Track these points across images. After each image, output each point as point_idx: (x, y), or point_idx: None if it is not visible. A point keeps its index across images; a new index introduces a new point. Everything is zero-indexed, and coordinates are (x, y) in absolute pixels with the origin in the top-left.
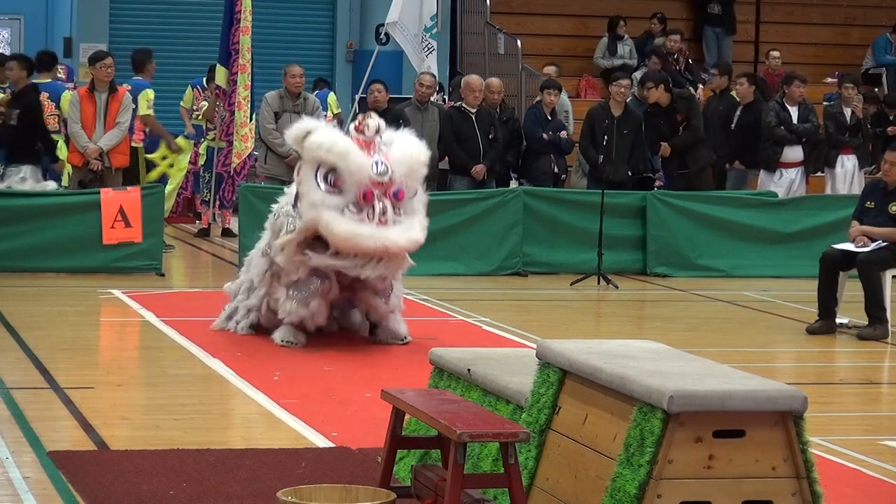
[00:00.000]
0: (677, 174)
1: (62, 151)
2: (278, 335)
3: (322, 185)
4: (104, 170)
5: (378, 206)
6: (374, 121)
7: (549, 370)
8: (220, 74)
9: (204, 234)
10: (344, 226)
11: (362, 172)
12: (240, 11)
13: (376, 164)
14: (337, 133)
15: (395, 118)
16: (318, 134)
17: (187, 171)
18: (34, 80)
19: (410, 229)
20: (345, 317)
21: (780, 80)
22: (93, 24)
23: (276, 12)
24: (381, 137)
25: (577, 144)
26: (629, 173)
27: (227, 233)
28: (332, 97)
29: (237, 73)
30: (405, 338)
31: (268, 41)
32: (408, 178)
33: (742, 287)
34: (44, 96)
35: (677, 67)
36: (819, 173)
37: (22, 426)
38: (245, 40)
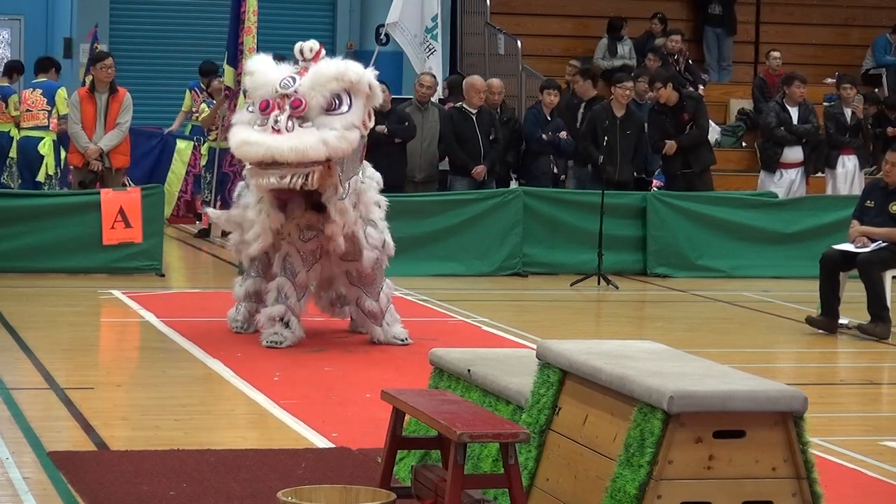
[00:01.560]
0: (681, 173)
1: (44, 147)
2: (263, 337)
3: (249, 108)
4: (104, 170)
5: (272, 116)
6: (308, 43)
7: (549, 371)
8: (229, 75)
9: (204, 234)
10: (239, 135)
11: (267, 87)
12: (244, 12)
13: (286, 79)
14: (265, 57)
15: (400, 119)
16: (248, 64)
17: (187, 173)
18: (33, 81)
19: (301, 137)
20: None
21: (781, 81)
22: (93, 24)
23: (275, 13)
24: (316, 59)
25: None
26: (634, 174)
27: (227, 234)
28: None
29: (242, 73)
30: (405, 339)
31: (268, 41)
32: (312, 90)
33: (742, 287)
34: (37, 93)
35: (678, 68)
36: (819, 174)
37: (22, 426)
38: (248, 41)
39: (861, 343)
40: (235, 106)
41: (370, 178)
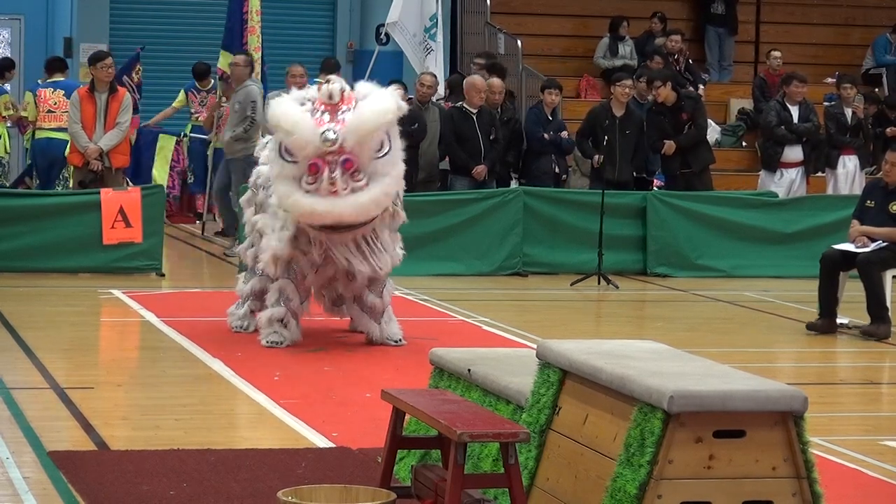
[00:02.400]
0: (680, 173)
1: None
2: (262, 336)
3: (286, 157)
4: (104, 170)
5: (326, 176)
6: (335, 86)
7: (549, 370)
8: (225, 59)
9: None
10: (297, 199)
11: (309, 144)
12: (247, 12)
13: (326, 132)
14: (290, 103)
15: (411, 120)
16: (274, 107)
17: (171, 169)
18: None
19: (362, 199)
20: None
21: (781, 80)
22: (93, 24)
23: (276, 12)
24: (346, 100)
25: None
26: (633, 174)
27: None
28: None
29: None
30: (399, 340)
31: (268, 41)
32: (359, 144)
33: (742, 287)
34: (59, 93)
35: (678, 68)
36: (820, 173)
37: (22, 426)
38: (253, 40)
39: (861, 343)
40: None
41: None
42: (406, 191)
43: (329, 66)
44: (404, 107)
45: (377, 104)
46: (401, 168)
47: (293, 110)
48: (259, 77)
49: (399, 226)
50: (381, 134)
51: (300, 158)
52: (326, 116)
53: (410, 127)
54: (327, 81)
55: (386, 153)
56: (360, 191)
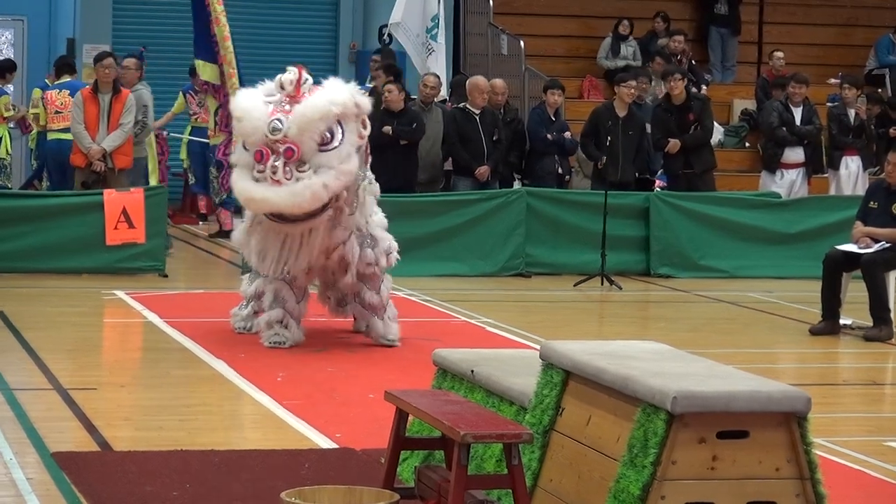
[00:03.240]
0: (682, 173)
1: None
2: (264, 338)
3: (244, 145)
4: (107, 171)
5: (269, 164)
6: (289, 75)
7: (552, 371)
8: (206, 71)
9: (222, 235)
10: (242, 185)
11: (256, 133)
12: (209, 4)
13: (274, 121)
14: (251, 93)
15: (410, 120)
16: (237, 95)
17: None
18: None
19: (300, 189)
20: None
21: (772, 82)
22: (96, 24)
23: (278, 13)
24: (308, 92)
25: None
26: (636, 174)
27: (224, 234)
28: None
29: (222, 64)
30: (394, 340)
31: (270, 42)
32: (302, 133)
33: (745, 288)
34: (65, 94)
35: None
36: (820, 174)
37: (25, 427)
38: (220, 31)
39: (863, 343)
40: (225, 97)
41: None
42: (407, 190)
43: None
44: (364, 104)
45: (325, 96)
46: (350, 165)
47: (249, 99)
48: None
49: (372, 221)
50: (328, 125)
51: (249, 146)
52: (287, 107)
53: (409, 126)
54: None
55: (335, 147)
56: (304, 180)
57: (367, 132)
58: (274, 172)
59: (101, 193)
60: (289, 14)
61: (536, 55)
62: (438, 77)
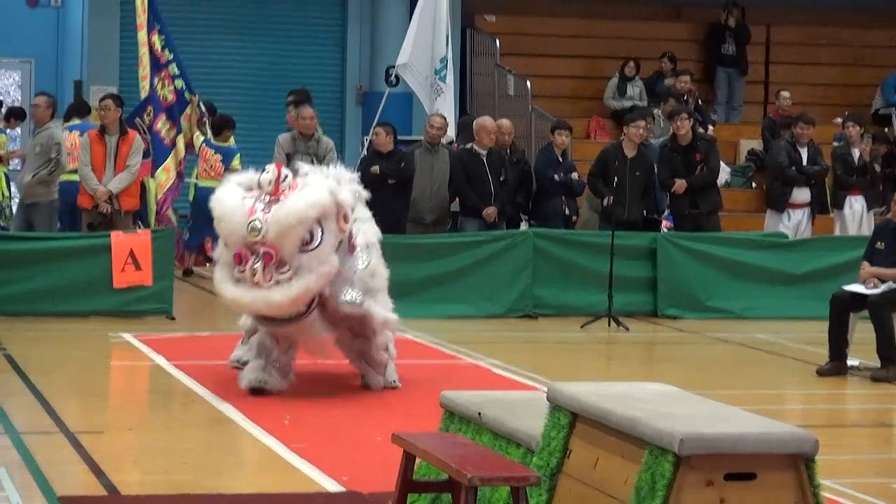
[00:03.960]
0: (688, 213)
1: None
2: (243, 379)
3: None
4: (114, 213)
5: (249, 266)
6: (268, 175)
7: (559, 413)
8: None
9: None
10: (223, 286)
11: (235, 234)
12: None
13: (253, 221)
14: (228, 192)
15: (398, 161)
16: (217, 191)
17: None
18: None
19: (280, 294)
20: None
21: (781, 122)
22: (103, 66)
23: (285, 54)
24: (289, 188)
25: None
26: (643, 213)
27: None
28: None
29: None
30: (396, 382)
31: (278, 84)
32: (280, 238)
33: (752, 329)
34: (75, 135)
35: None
36: (825, 214)
37: (32, 470)
38: (141, 35)
39: (871, 384)
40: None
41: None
42: (411, 232)
43: (302, 96)
44: (345, 200)
45: (305, 197)
46: (329, 266)
47: (229, 197)
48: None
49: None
50: (308, 227)
51: (228, 246)
52: (260, 205)
53: (398, 166)
54: (265, 171)
55: (315, 247)
56: (284, 283)
57: (348, 225)
58: (254, 275)
59: (108, 235)
60: (296, 56)
61: (543, 95)
62: (444, 118)
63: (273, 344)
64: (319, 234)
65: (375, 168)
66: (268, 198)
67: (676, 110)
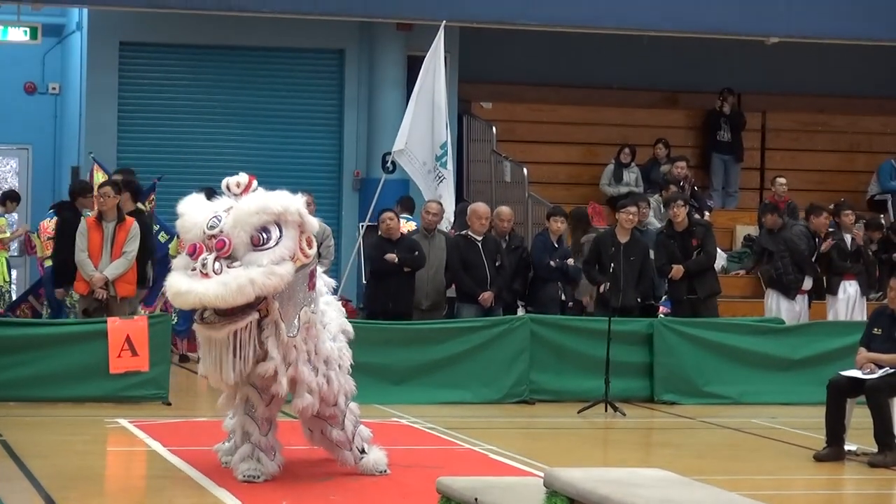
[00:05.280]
0: (686, 299)
1: None
2: (238, 472)
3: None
4: (110, 298)
5: (201, 259)
6: (237, 178)
7: (556, 499)
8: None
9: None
10: (171, 280)
11: (195, 229)
12: None
13: (213, 219)
14: (194, 197)
15: (409, 248)
16: (178, 206)
17: None
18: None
19: (226, 281)
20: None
21: (807, 209)
22: (100, 153)
23: (283, 140)
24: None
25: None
26: (638, 299)
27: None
28: None
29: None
30: (384, 470)
31: (275, 169)
32: (234, 227)
33: (750, 414)
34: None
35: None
36: (821, 300)
37: None
38: None
39: (868, 470)
40: None
41: (327, 305)
42: (412, 318)
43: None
44: (309, 219)
45: (270, 194)
46: (283, 268)
47: (194, 199)
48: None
49: (324, 349)
50: (264, 222)
51: (186, 241)
52: (222, 208)
53: (411, 254)
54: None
55: (270, 247)
56: (227, 273)
57: (312, 252)
58: (204, 266)
59: (105, 321)
60: (293, 142)
61: (540, 182)
62: (440, 204)
63: (252, 426)
64: (277, 235)
65: (392, 256)
66: (232, 205)
67: (672, 197)
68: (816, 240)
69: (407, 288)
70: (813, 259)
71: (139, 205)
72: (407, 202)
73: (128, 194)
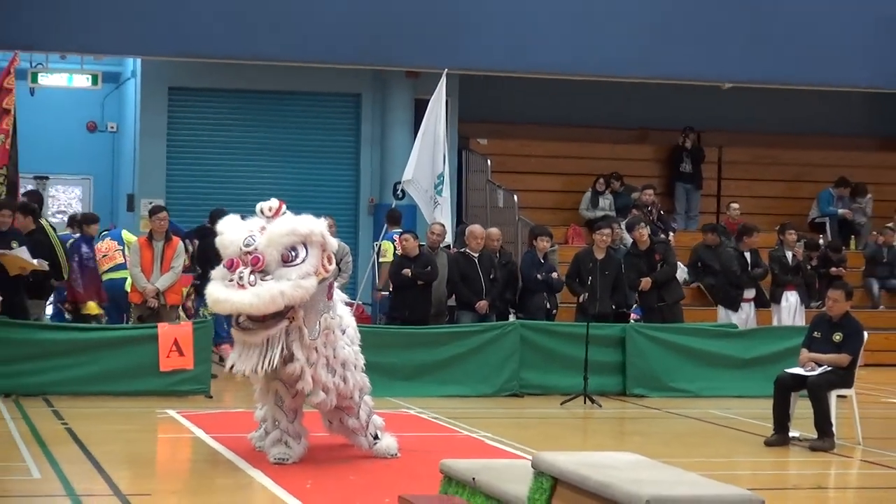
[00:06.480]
0: (656, 306)
1: (129, 283)
2: (270, 455)
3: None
4: (160, 307)
5: (238, 272)
6: (268, 203)
7: (542, 478)
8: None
9: None
10: (210, 289)
11: (233, 246)
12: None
13: (248, 238)
14: (231, 221)
15: (424, 264)
16: (218, 225)
17: None
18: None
19: (260, 291)
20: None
21: (739, 230)
22: (152, 182)
23: (305, 170)
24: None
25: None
26: (613, 307)
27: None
28: (125, 234)
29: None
30: (395, 453)
31: (301, 196)
32: (267, 247)
33: (708, 406)
34: (108, 240)
35: (651, 218)
36: (765, 308)
37: None
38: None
39: (810, 453)
40: None
41: (340, 315)
42: (423, 323)
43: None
44: (330, 240)
45: (298, 217)
46: (308, 282)
47: (231, 219)
48: None
49: (341, 350)
50: (294, 242)
51: (224, 256)
52: (256, 229)
53: (425, 269)
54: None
55: (297, 263)
56: (261, 284)
57: (332, 267)
58: (240, 279)
59: (156, 326)
60: (317, 173)
61: (528, 207)
62: (443, 226)
63: (280, 415)
64: (303, 253)
65: (407, 271)
66: (265, 224)
67: (635, 220)
68: (747, 254)
69: (423, 299)
70: (749, 270)
71: (42, 220)
72: (393, 213)
73: (30, 217)
